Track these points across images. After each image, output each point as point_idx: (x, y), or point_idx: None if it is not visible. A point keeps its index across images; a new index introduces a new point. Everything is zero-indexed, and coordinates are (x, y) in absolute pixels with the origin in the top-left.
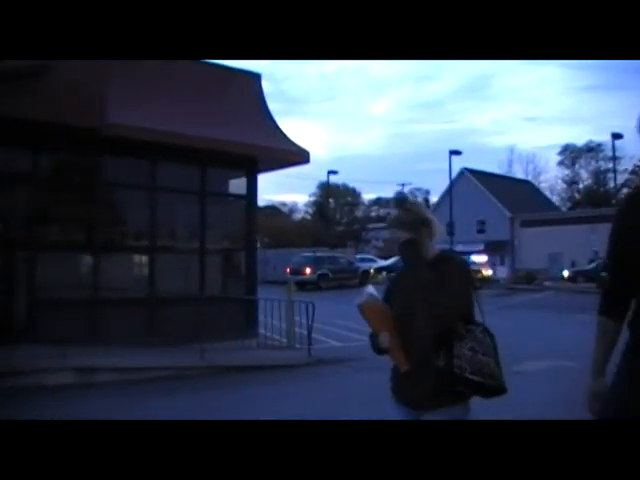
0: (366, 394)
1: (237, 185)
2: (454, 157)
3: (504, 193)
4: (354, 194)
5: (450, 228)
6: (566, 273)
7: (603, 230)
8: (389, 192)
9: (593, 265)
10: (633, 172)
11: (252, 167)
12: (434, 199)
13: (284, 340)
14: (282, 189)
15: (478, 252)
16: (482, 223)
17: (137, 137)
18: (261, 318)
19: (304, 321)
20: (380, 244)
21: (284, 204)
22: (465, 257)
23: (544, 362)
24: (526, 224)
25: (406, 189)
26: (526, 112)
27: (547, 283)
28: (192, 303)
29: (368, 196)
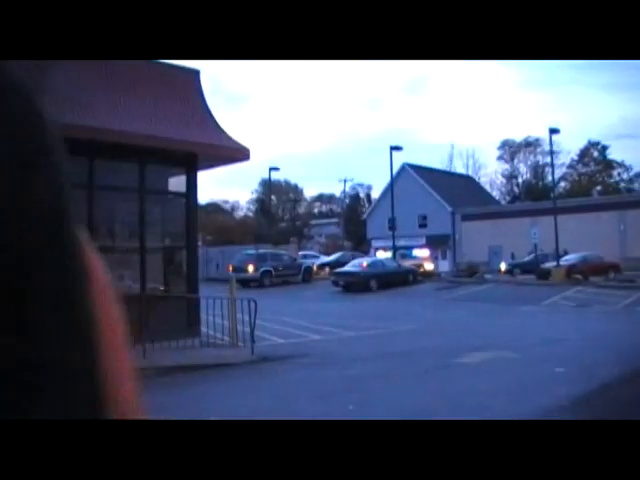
0: (311, 390)
1: (177, 183)
2: (395, 153)
3: (445, 188)
4: (296, 190)
5: (392, 223)
6: (503, 266)
7: (543, 223)
8: (331, 188)
9: (529, 258)
10: (570, 166)
11: (192, 164)
12: (376, 195)
13: (227, 338)
14: (224, 186)
15: (420, 246)
16: (424, 218)
17: (74, 135)
18: (203, 316)
19: (247, 319)
20: (323, 240)
21: (226, 201)
22: (406, 251)
23: (487, 353)
24: (467, 218)
25: (348, 185)
26: (466, 108)
27: (488, 276)
28: (133, 303)
29: (310, 192)
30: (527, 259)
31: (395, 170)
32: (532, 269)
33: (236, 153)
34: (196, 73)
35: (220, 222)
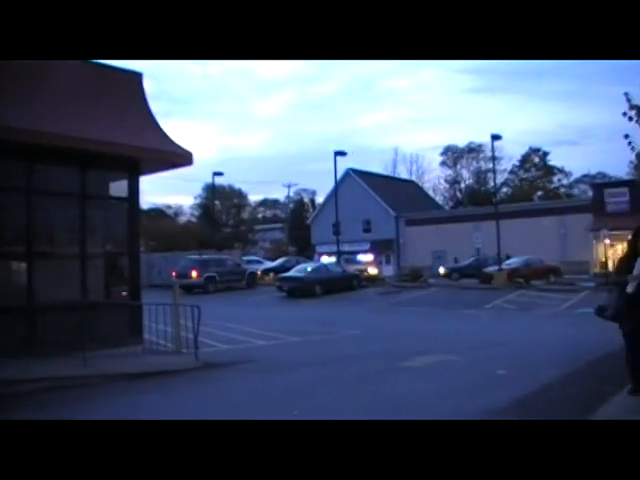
0: (255, 396)
1: (119, 187)
2: (339, 158)
3: (389, 193)
4: (240, 195)
5: (336, 228)
6: (442, 270)
7: (485, 227)
8: (275, 193)
9: (467, 262)
10: (512, 172)
11: (134, 169)
12: (320, 199)
13: (170, 345)
14: (167, 191)
15: (364, 251)
16: (368, 223)
17: (11, 138)
18: (146, 323)
19: (191, 325)
20: (267, 245)
21: (169, 206)
22: (350, 256)
23: (431, 357)
24: (411, 223)
25: (292, 190)
26: (410, 113)
27: (432, 280)
28: (74, 310)
29: (254, 197)
30: (466, 263)
31: (339, 175)
32: (471, 273)
33: (179, 158)
34: (138, 75)
35: (163, 227)
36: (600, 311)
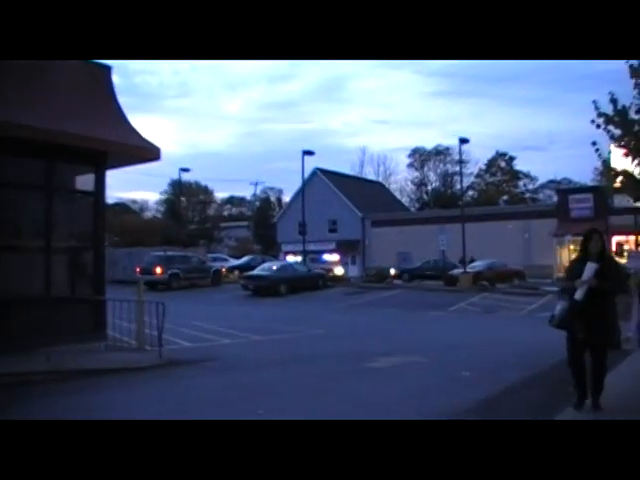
0: (219, 395)
1: (85, 181)
2: (307, 157)
3: (356, 193)
4: (207, 192)
5: (302, 227)
6: (392, 271)
7: (450, 230)
8: (242, 191)
9: (420, 264)
10: (478, 175)
11: (101, 162)
12: (287, 198)
13: (134, 342)
14: (133, 186)
15: (330, 251)
16: (334, 223)
17: None
18: (110, 319)
19: (155, 322)
20: (233, 243)
21: (135, 202)
22: (316, 256)
23: (396, 358)
24: (377, 224)
25: (259, 188)
26: (378, 115)
27: (397, 281)
28: (37, 304)
29: (221, 195)
30: (416, 265)
31: (306, 175)
32: (421, 274)
33: (146, 152)
34: (107, 69)
35: (128, 223)
36: (551, 318)
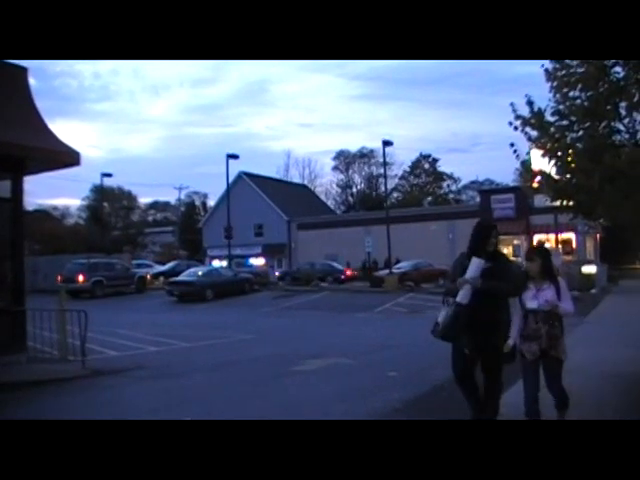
0: (146, 403)
1: (2, 187)
2: (231, 161)
3: (281, 197)
4: (130, 197)
5: (228, 232)
6: (277, 273)
7: (376, 232)
8: (166, 195)
9: (297, 267)
10: (403, 177)
11: (18, 168)
12: (212, 203)
13: (56, 352)
14: (53, 192)
15: (256, 255)
16: (260, 227)
17: None
18: (30, 330)
19: (77, 331)
20: (158, 249)
21: (55, 208)
22: (242, 260)
23: (324, 360)
24: (303, 227)
25: (183, 193)
26: (302, 118)
27: (324, 284)
28: None
29: (145, 200)
30: (295, 268)
31: (231, 178)
32: (298, 277)
33: (66, 157)
34: (23, 70)
35: (49, 230)
36: (434, 327)
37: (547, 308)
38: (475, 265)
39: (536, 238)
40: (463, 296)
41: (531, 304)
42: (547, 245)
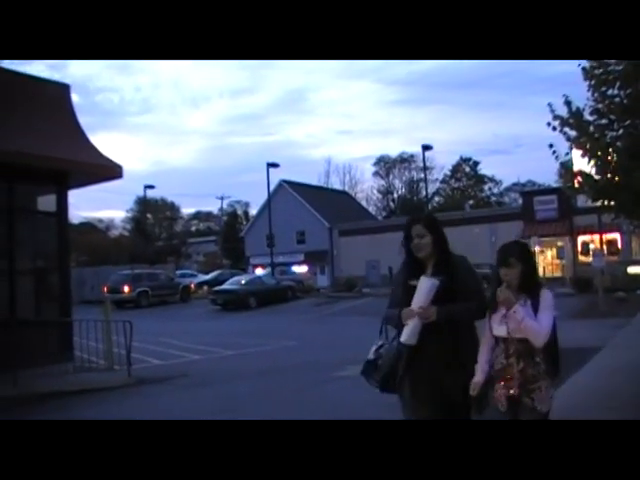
0: (188, 411)
1: (47, 202)
2: (272, 169)
3: (322, 204)
4: (173, 208)
5: (270, 240)
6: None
7: None
8: (209, 205)
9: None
10: (443, 181)
11: (62, 182)
12: (253, 211)
13: (102, 362)
14: (99, 205)
15: (298, 262)
16: (301, 234)
17: None
18: (77, 340)
19: (122, 341)
20: (201, 258)
21: (100, 220)
22: (285, 267)
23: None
24: (344, 233)
25: (225, 202)
26: (341, 125)
27: (366, 290)
28: (2, 328)
29: (187, 210)
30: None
31: (272, 187)
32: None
33: (108, 171)
34: (66, 87)
35: (95, 242)
36: (367, 368)
37: (521, 335)
38: (425, 287)
39: (580, 239)
40: (410, 334)
41: (499, 329)
42: (592, 246)
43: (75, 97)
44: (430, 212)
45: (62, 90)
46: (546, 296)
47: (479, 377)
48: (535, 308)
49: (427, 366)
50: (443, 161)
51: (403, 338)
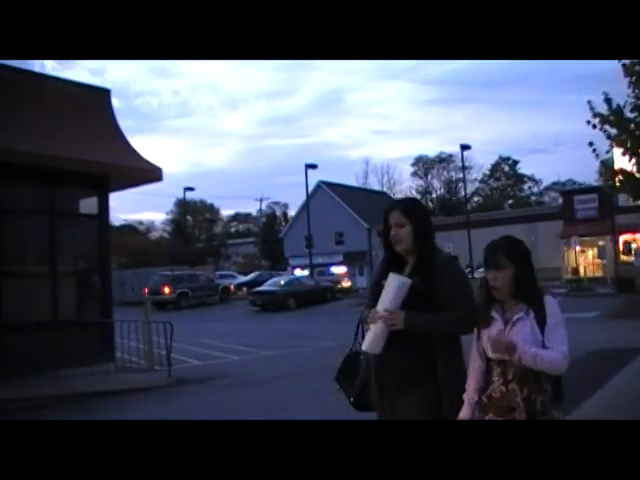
0: (228, 411)
1: (89, 205)
2: (310, 170)
3: (360, 204)
4: (212, 210)
5: (309, 241)
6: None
7: (457, 237)
8: (247, 207)
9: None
10: (482, 181)
11: (103, 186)
12: (292, 213)
13: (143, 362)
14: (139, 207)
15: (337, 263)
16: (340, 235)
17: None
18: (118, 340)
19: (163, 342)
20: (240, 259)
21: (141, 223)
22: (324, 268)
23: None
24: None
25: (264, 204)
26: (378, 125)
27: None
28: (45, 329)
29: (226, 212)
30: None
31: (311, 188)
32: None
33: (148, 174)
34: (106, 92)
35: (135, 244)
36: (341, 377)
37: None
38: (393, 287)
39: (621, 238)
40: (372, 341)
41: (495, 351)
42: (634, 245)
43: (115, 101)
44: (412, 197)
45: (103, 95)
46: (553, 307)
47: (466, 412)
48: (539, 321)
49: (389, 382)
50: (482, 160)
51: (365, 345)
